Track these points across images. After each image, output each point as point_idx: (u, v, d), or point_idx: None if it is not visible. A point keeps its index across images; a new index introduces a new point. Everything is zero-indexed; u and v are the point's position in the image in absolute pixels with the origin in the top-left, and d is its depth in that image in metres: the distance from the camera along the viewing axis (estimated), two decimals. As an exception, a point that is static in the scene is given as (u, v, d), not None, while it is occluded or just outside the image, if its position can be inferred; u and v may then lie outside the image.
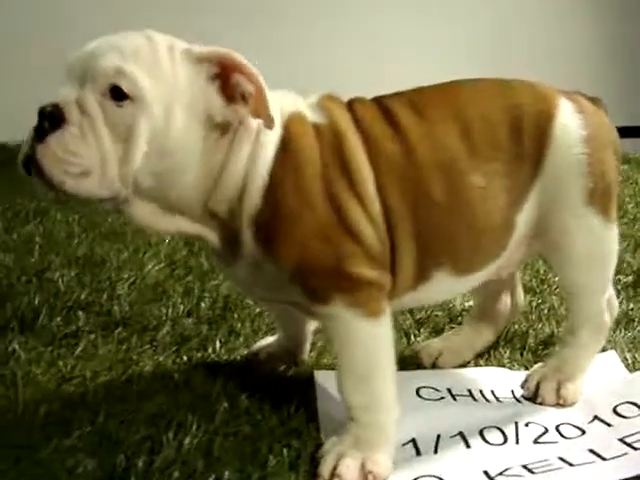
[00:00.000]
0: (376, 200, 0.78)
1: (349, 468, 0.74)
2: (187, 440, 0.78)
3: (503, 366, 1.00)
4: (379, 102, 0.85)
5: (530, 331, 1.10)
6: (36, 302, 1.15)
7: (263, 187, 0.75)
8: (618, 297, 1.21)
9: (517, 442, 0.82)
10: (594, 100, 0.91)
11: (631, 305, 1.19)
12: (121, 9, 2.71)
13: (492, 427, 0.84)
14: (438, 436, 0.82)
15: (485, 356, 1.03)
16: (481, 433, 0.83)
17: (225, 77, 0.74)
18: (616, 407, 0.88)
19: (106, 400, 0.86)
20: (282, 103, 0.80)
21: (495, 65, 2.73)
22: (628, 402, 0.88)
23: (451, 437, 0.82)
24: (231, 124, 0.75)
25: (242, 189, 0.76)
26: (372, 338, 0.77)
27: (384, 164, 0.80)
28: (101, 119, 0.71)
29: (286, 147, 0.77)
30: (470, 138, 0.82)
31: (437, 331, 1.11)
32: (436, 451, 0.80)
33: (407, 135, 0.81)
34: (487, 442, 0.81)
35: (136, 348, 1.02)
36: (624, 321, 1.12)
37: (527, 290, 1.24)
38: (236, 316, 1.13)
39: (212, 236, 0.79)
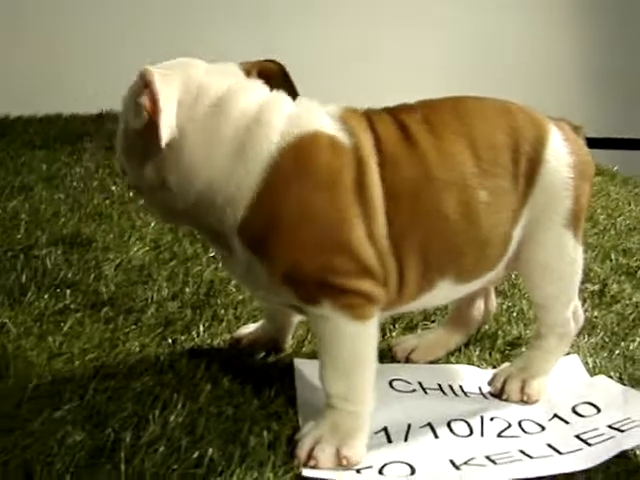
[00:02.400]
0: (384, 224, 0.81)
1: (325, 452, 0.79)
2: (172, 418, 0.82)
3: (472, 364, 1.06)
4: (394, 117, 0.87)
5: (499, 332, 1.15)
6: (23, 278, 1.18)
7: (251, 201, 0.79)
8: (584, 305, 1.27)
9: (482, 435, 0.87)
10: (576, 128, 0.97)
11: (595, 313, 1.25)
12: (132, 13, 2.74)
13: (459, 420, 0.89)
14: (409, 426, 0.88)
15: (456, 354, 1.08)
16: (449, 425, 0.88)
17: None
18: (575, 407, 0.94)
19: (94, 377, 0.90)
20: (302, 116, 0.82)
21: (477, 78, 2.80)
22: (586, 402, 0.94)
23: (420, 427, 0.87)
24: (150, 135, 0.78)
25: (222, 201, 0.80)
26: (356, 339, 0.81)
27: (401, 185, 0.83)
28: None
29: (297, 163, 0.79)
30: (478, 156, 0.87)
31: (411, 328, 1.16)
32: (406, 439, 0.85)
33: (425, 155, 0.84)
34: (454, 433, 0.87)
35: (122, 328, 1.06)
36: (588, 327, 1.18)
37: (498, 293, 1.30)
38: (219, 302, 1.17)
39: (203, 235, 0.84)
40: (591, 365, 1.07)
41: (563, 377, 1.02)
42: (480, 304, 1.10)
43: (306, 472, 0.76)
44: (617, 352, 1.11)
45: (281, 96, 0.86)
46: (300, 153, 0.80)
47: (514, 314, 1.22)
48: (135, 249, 1.37)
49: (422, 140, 0.85)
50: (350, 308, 0.80)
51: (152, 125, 0.78)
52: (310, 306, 0.81)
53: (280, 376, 0.96)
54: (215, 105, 0.81)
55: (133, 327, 1.07)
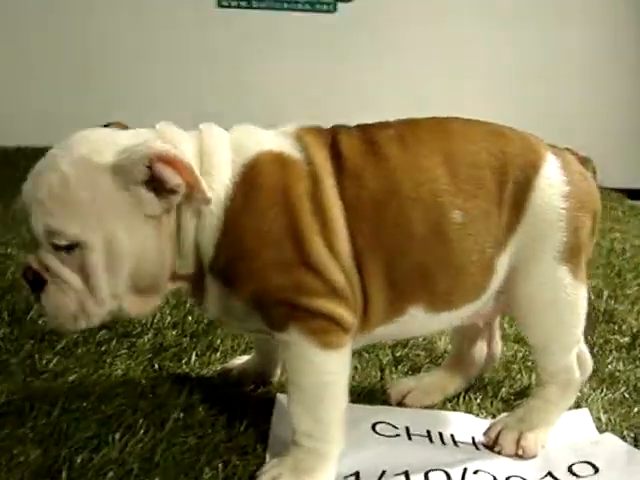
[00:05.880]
0: (346, 240, 0.79)
1: (280, 492, 0.74)
2: (131, 443, 0.80)
3: (471, 412, 0.99)
4: (364, 132, 0.85)
5: (506, 380, 1.08)
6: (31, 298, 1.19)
7: (214, 238, 0.78)
8: (609, 356, 1.19)
9: (461, 488, 0.81)
10: (583, 160, 0.91)
11: (620, 366, 1.16)
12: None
13: (439, 470, 0.83)
14: (383, 472, 0.82)
15: (454, 400, 1.01)
16: (426, 474, 0.82)
17: (152, 173, 0.75)
18: (572, 465, 0.86)
19: (67, 396, 0.89)
20: (242, 144, 0.80)
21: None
22: (585, 462, 0.86)
23: (395, 475, 0.81)
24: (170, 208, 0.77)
25: (196, 246, 0.79)
26: (323, 369, 0.77)
27: (363, 200, 0.80)
28: (65, 270, 0.76)
29: (247, 190, 0.78)
30: (454, 173, 0.82)
31: (414, 370, 1.10)
32: (376, 487, 0.79)
33: (392, 169, 0.81)
34: (430, 484, 0.80)
35: (113, 351, 1.05)
36: (608, 381, 1.09)
37: (516, 340, 1.23)
38: (219, 332, 1.15)
39: (184, 288, 0.84)
40: (604, 421, 0.98)
41: (567, 432, 0.93)
42: (482, 346, 1.03)
43: (253, 512, 0.72)
44: (636, 410, 1.02)
45: (213, 137, 0.81)
46: (252, 178, 0.78)
47: (528, 363, 1.14)
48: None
49: (391, 155, 0.82)
50: (319, 334, 0.76)
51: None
52: (278, 332, 0.78)
53: (258, 410, 0.92)
54: None
55: (124, 351, 1.06)
